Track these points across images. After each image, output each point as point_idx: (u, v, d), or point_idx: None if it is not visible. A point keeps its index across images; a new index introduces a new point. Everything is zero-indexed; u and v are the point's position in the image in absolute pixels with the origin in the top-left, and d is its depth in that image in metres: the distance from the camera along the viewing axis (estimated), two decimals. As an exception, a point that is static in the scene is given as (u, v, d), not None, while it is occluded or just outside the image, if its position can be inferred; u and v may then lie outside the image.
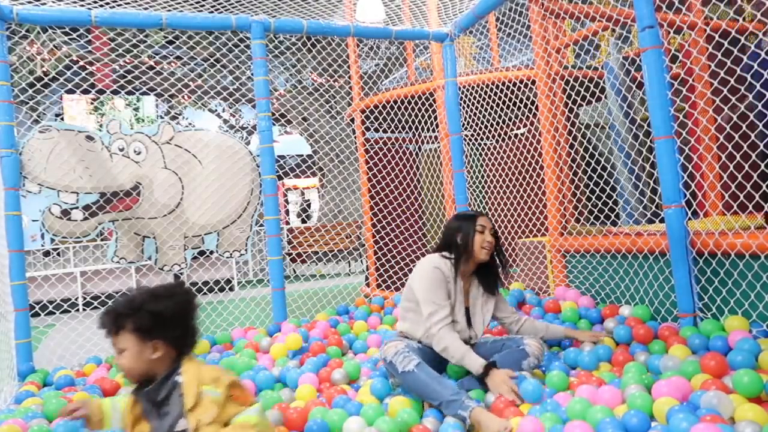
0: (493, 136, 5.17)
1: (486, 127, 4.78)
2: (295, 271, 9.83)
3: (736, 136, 2.76)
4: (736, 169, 2.72)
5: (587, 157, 4.20)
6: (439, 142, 5.08)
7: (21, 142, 3.34)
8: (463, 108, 4.54)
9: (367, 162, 5.40)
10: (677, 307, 2.55)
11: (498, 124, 4.79)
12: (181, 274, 6.91)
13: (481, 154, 5.57)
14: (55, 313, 5.69)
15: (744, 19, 3.47)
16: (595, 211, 3.48)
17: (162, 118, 12.18)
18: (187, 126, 10.51)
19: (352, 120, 5.59)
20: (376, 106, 5.11)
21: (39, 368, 3.04)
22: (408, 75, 6.14)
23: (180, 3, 3.94)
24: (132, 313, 1.47)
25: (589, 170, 4.02)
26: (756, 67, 2.62)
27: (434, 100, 4.76)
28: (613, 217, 3.55)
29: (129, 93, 11.71)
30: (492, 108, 4.53)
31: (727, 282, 2.40)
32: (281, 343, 2.99)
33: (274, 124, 5.01)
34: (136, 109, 12.23)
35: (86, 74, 10.63)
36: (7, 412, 2.28)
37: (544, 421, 1.77)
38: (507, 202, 4.70)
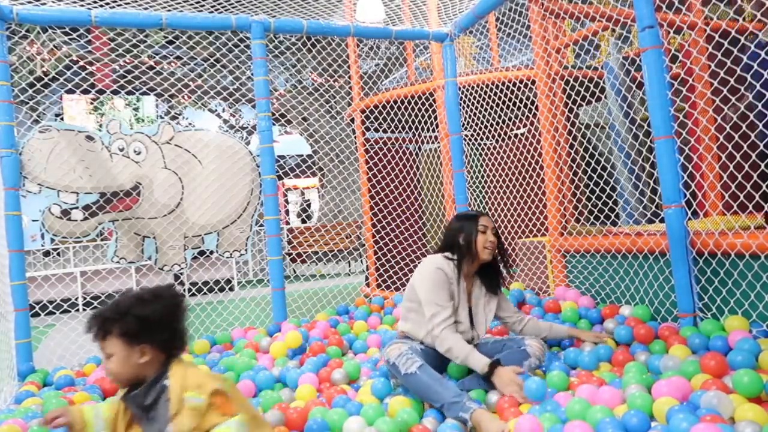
0: (493, 136, 5.17)
1: (486, 127, 4.78)
2: (295, 271, 9.83)
3: (736, 136, 2.76)
4: (736, 169, 2.72)
5: (587, 157, 4.20)
6: (439, 142, 5.08)
7: (21, 142, 3.34)
8: (463, 108, 4.54)
9: (367, 162, 5.40)
10: (677, 307, 2.55)
11: (498, 124, 4.79)
12: (181, 274, 6.91)
13: (481, 154, 5.57)
14: (55, 313, 5.69)
15: (744, 19, 3.47)
16: (595, 211, 3.48)
17: (162, 118, 12.18)
18: (187, 126, 10.52)
19: (352, 120, 5.59)
20: (376, 106, 5.11)
21: (39, 368, 3.04)
22: (408, 75, 6.14)
23: (180, 3, 3.94)
24: (118, 317, 1.45)
25: (589, 170, 4.02)
26: (756, 66, 2.62)
27: (434, 100, 4.76)
28: (613, 217, 3.55)
29: (129, 93, 11.71)
30: (492, 108, 4.53)
31: (727, 282, 2.40)
32: (281, 342, 2.99)
33: (274, 124, 5.01)
34: (136, 109, 12.23)
35: (86, 74, 10.63)
36: (7, 412, 2.28)
37: (543, 422, 1.77)
38: (507, 202, 4.70)
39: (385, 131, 5.87)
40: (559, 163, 3.56)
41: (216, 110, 13.12)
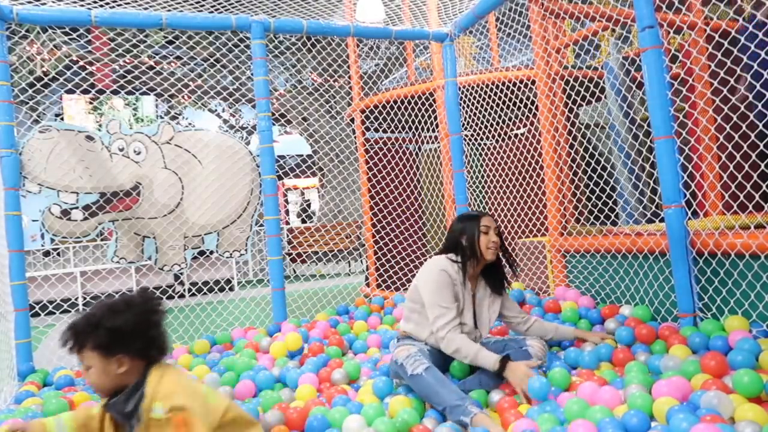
0: (493, 136, 5.17)
1: (486, 127, 4.78)
2: (295, 271, 9.83)
3: (736, 136, 2.76)
4: (736, 169, 2.72)
5: (587, 157, 4.20)
6: (439, 142, 5.08)
7: (21, 142, 3.34)
8: (463, 108, 4.54)
9: (367, 162, 5.40)
10: (677, 307, 2.55)
11: (498, 124, 4.79)
12: (181, 274, 6.90)
13: (481, 154, 5.57)
14: (55, 313, 5.69)
15: (744, 19, 3.47)
16: (595, 211, 3.48)
17: (162, 118, 12.19)
18: (187, 126, 10.51)
19: (352, 120, 5.60)
20: (376, 106, 5.11)
21: (39, 368, 3.04)
22: (408, 75, 6.14)
23: (180, 3, 3.94)
24: (90, 330, 1.43)
25: (589, 170, 4.02)
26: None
27: (434, 100, 4.76)
28: (613, 217, 3.55)
29: (129, 93, 11.71)
30: (492, 108, 4.53)
31: (727, 282, 2.40)
32: (281, 342, 2.99)
33: (274, 124, 5.01)
34: (135, 109, 12.23)
35: (86, 74, 10.63)
36: (7, 412, 2.28)
37: (542, 423, 1.77)
38: (507, 202, 4.70)
39: (385, 131, 5.87)
40: (559, 163, 3.56)
41: (216, 110, 13.12)
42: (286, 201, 14.58)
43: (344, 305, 3.88)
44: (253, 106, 9.46)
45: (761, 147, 2.42)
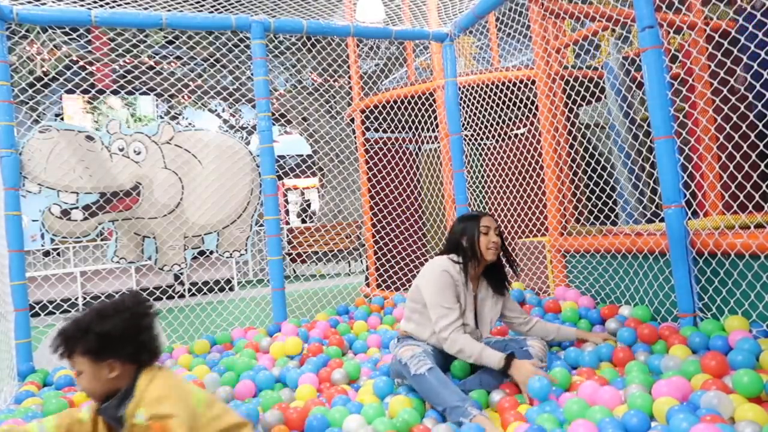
0: (493, 136, 5.17)
1: (486, 127, 4.78)
2: (295, 271, 9.83)
3: (736, 136, 2.76)
4: (736, 169, 2.72)
5: (587, 157, 4.20)
6: (439, 142, 5.08)
7: (21, 142, 3.34)
8: (463, 108, 4.54)
9: (367, 162, 5.40)
10: (677, 307, 2.55)
11: (498, 124, 4.79)
12: (181, 274, 6.91)
13: (481, 154, 5.57)
14: (55, 313, 5.69)
15: (744, 19, 3.47)
16: (595, 211, 3.48)
17: (162, 118, 12.18)
18: (187, 126, 10.50)
19: (352, 120, 5.60)
20: (376, 106, 5.12)
21: (39, 368, 3.04)
22: (408, 75, 6.14)
23: (180, 3, 3.94)
24: (80, 336, 1.42)
25: (589, 170, 4.02)
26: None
27: (434, 100, 4.76)
28: (612, 217, 3.55)
29: (129, 93, 11.71)
30: (492, 108, 4.53)
31: (727, 282, 2.40)
32: (281, 343, 2.99)
33: (274, 124, 5.01)
34: (133, 108, 12.22)
35: (86, 74, 10.63)
36: (7, 412, 2.28)
37: (542, 423, 1.77)
38: (507, 202, 4.70)
39: (385, 131, 5.87)
40: (559, 163, 3.56)
41: (216, 110, 13.12)
42: (286, 201, 14.58)
43: (344, 305, 3.88)
44: (253, 106, 9.45)
45: (761, 147, 2.42)
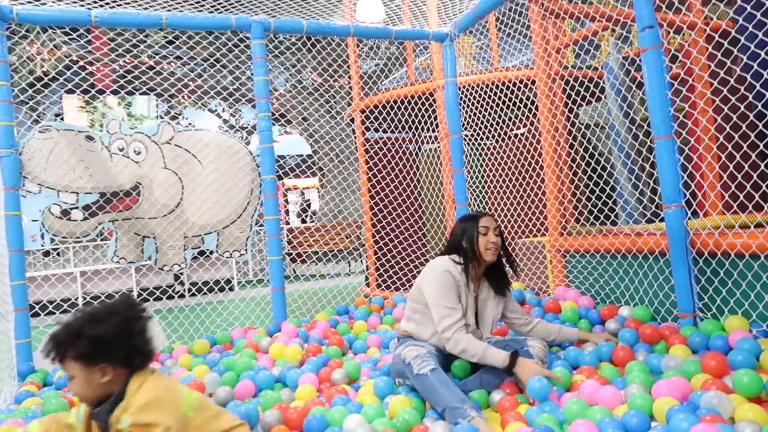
0: (493, 136, 5.17)
1: (486, 127, 4.78)
2: (295, 271, 9.83)
3: (736, 136, 2.76)
4: (736, 169, 2.72)
5: (587, 157, 4.20)
6: (439, 142, 5.08)
7: (21, 142, 3.34)
8: (463, 108, 4.54)
9: (367, 162, 5.40)
10: (677, 307, 2.55)
11: (498, 124, 4.79)
12: (181, 274, 6.91)
13: (481, 154, 5.57)
14: (55, 313, 5.69)
15: (744, 19, 3.47)
16: (595, 211, 3.48)
17: (162, 117, 12.19)
18: (187, 126, 10.50)
19: (352, 120, 5.60)
20: (376, 106, 5.12)
21: (39, 368, 3.04)
22: (408, 75, 6.14)
23: (180, 3, 3.94)
24: (71, 340, 1.40)
25: (589, 170, 4.02)
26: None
27: (434, 100, 4.76)
28: (612, 217, 3.55)
29: (129, 93, 11.72)
30: (492, 108, 4.53)
31: (727, 282, 2.40)
32: (281, 344, 2.99)
33: (274, 124, 5.01)
34: (129, 105, 12.22)
35: (86, 74, 10.63)
36: (7, 412, 2.28)
37: (541, 423, 1.77)
38: (507, 202, 4.70)
39: (385, 131, 5.87)
40: (559, 163, 3.56)
41: (216, 110, 13.12)
42: (286, 201, 14.58)
43: (344, 305, 3.88)
44: (253, 106, 9.45)
45: (761, 147, 2.42)
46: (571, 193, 3.60)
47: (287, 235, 9.82)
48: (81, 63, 10.19)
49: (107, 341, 1.41)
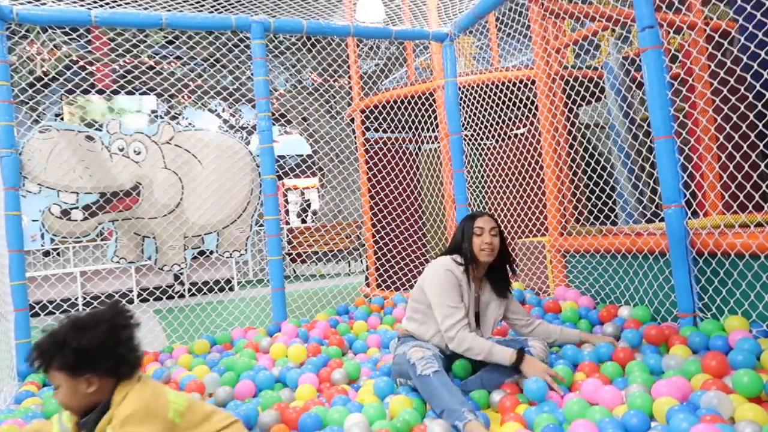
0: (493, 136, 5.17)
1: (486, 127, 4.78)
2: (295, 271, 9.83)
3: (736, 136, 2.76)
4: (736, 169, 2.72)
5: (587, 157, 4.20)
6: (439, 142, 5.08)
7: (21, 142, 3.34)
8: (463, 108, 4.54)
9: (367, 162, 5.40)
10: (677, 307, 2.55)
11: (498, 124, 4.79)
12: (181, 274, 6.91)
13: (481, 154, 5.57)
14: (55, 313, 5.69)
15: (744, 19, 3.47)
16: (595, 211, 3.48)
17: (161, 117, 12.18)
18: (187, 126, 10.50)
19: (352, 120, 5.60)
20: (376, 106, 5.12)
21: (39, 368, 3.04)
22: (408, 75, 6.14)
23: (180, 3, 3.94)
24: (56, 350, 1.37)
25: (589, 170, 4.02)
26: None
27: (434, 100, 4.76)
28: (612, 217, 3.55)
29: (129, 93, 11.71)
30: (492, 108, 4.53)
31: (727, 282, 2.40)
32: (281, 344, 2.98)
33: (274, 124, 5.01)
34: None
35: (86, 74, 10.63)
36: (7, 412, 2.28)
37: (541, 422, 1.77)
38: (507, 202, 4.70)
39: (385, 131, 5.87)
40: (559, 163, 3.56)
41: (216, 110, 13.12)
42: (286, 201, 14.58)
43: (344, 305, 3.88)
44: (253, 106, 9.45)
45: (761, 147, 2.42)
46: (571, 193, 3.60)
47: (287, 235, 9.82)
48: (81, 63, 10.19)
49: (92, 351, 1.37)
